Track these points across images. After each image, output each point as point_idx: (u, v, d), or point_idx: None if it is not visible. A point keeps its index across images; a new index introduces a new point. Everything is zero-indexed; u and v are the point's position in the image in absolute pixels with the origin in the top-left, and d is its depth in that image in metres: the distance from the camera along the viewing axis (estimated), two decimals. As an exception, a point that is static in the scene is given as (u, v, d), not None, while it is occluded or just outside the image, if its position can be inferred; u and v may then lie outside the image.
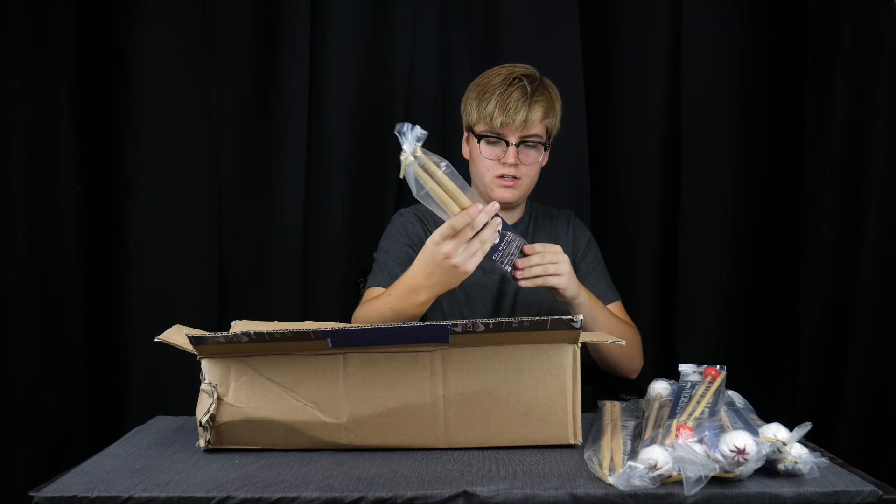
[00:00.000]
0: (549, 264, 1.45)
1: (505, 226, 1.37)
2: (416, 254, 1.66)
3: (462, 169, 1.77)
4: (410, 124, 1.27)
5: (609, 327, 1.58)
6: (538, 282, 1.45)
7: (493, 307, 1.71)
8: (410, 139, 1.27)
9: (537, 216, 1.79)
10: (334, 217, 2.20)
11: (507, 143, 1.63)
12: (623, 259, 2.20)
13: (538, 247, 1.45)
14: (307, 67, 2.14)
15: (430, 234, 1.71)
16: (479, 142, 1.65)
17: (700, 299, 2.21)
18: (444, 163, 1.30)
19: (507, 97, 1.62)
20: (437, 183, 1.30)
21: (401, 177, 1.29)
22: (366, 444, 1.16)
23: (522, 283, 1.44)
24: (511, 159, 1.62)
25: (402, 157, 1.28)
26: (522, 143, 1.63)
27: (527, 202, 1.79)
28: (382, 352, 1.14)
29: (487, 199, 1.68)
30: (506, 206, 1.68)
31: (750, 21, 2.18)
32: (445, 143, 2.14)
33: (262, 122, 2.18)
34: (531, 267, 1.44)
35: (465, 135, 1.72)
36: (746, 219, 2.21)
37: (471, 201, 1.31)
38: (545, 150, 1.68)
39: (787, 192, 2.18)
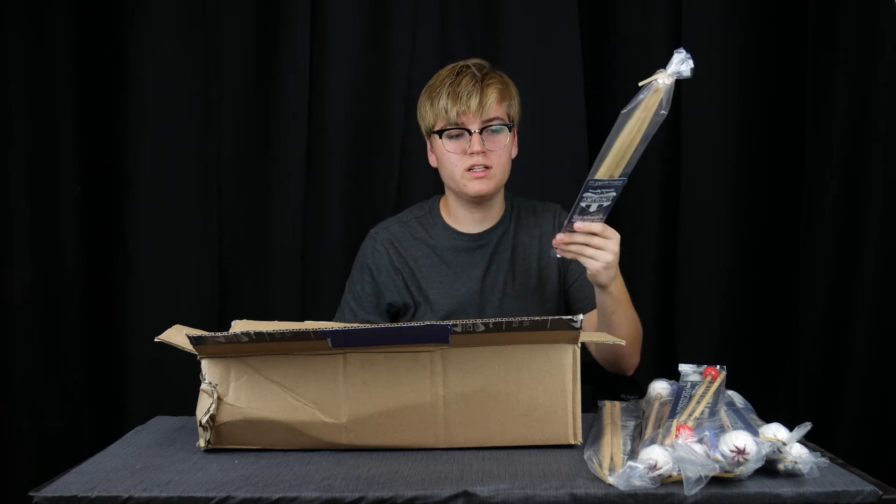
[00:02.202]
0: (590, 248, 1.38)
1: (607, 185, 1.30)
2: (380, 287, 1.65)
3: (432, 177, 1.74)
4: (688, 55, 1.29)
5: (627, 322, 1.54)
6: (569, 256, 1.40)
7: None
8: (677, 68, 1.29)
9: (520, 212, 1.70)
10: (334, 217, 2.20)
11: (470, 133, 1.56)
12: (623, 259, 2.19)
13: (596, 226, 1.37)
14: (307, 67, 2.14)
15: (402, 258, 1.66)
16: (441, 138, 1.58)
17: (700, 299, 2.20)
18: (663, 110, 1.27)
19: (458, 86, 1.56)
20: (639, 126, 1.28)
21: (640, 83, 1.27)
22: (366, 444, 1.16)
23: (558, 251, 1.40)
24: (477, 146, 1.55)
25: (660, 73, 1.28)
26: (485, 129, 1.57)
27: (507, 196, 1.71)
28: (382, 352, 1.14)
29: (461, 196, 1.63)
30: (482, 199, 1.62)
31: (750, 21, 2.18)
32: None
33: (262, 121, 2.18)
34: (572, 243, 1.38)
35: (428, 144, 1.66)
36: (746, 219, 2.20)
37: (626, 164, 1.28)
38: (509, 131, 1.60)
39: (787, 192, 2.18)
